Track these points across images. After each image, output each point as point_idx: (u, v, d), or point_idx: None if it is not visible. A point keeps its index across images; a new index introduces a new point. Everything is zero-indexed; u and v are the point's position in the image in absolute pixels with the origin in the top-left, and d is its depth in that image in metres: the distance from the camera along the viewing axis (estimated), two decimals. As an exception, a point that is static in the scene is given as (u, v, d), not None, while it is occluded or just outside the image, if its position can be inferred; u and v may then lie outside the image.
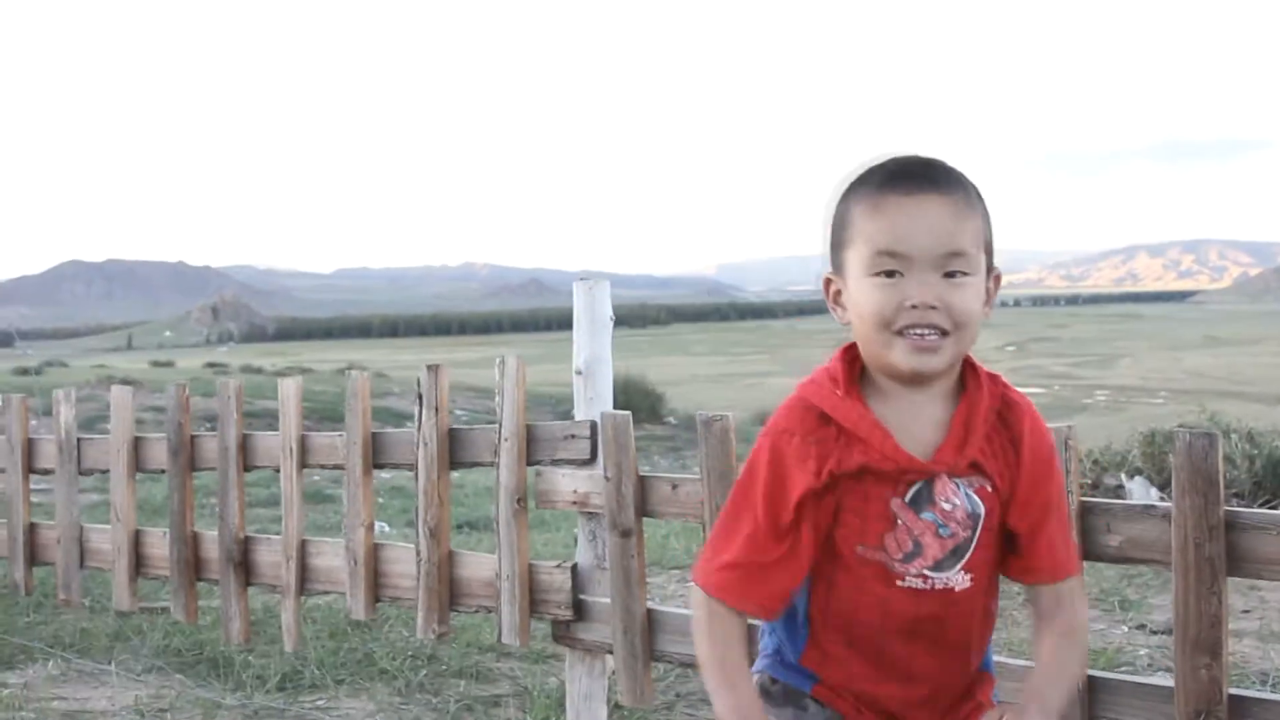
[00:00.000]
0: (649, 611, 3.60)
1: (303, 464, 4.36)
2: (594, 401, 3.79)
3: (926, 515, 1.94)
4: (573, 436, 3.76)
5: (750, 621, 2.03)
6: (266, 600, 5.66)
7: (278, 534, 4.48)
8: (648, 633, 3.58)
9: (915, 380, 1.94)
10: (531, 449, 3.84)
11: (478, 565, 3.96)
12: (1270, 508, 7.29)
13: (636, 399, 33.40)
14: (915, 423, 1.96)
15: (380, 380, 40.67)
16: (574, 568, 3.78)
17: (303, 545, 4.39)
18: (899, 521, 1.94)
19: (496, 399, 3.86)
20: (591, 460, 3.72)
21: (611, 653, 3.67)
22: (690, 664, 3.58)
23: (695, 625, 2.07)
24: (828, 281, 2.01)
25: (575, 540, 4.01)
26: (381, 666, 5.23)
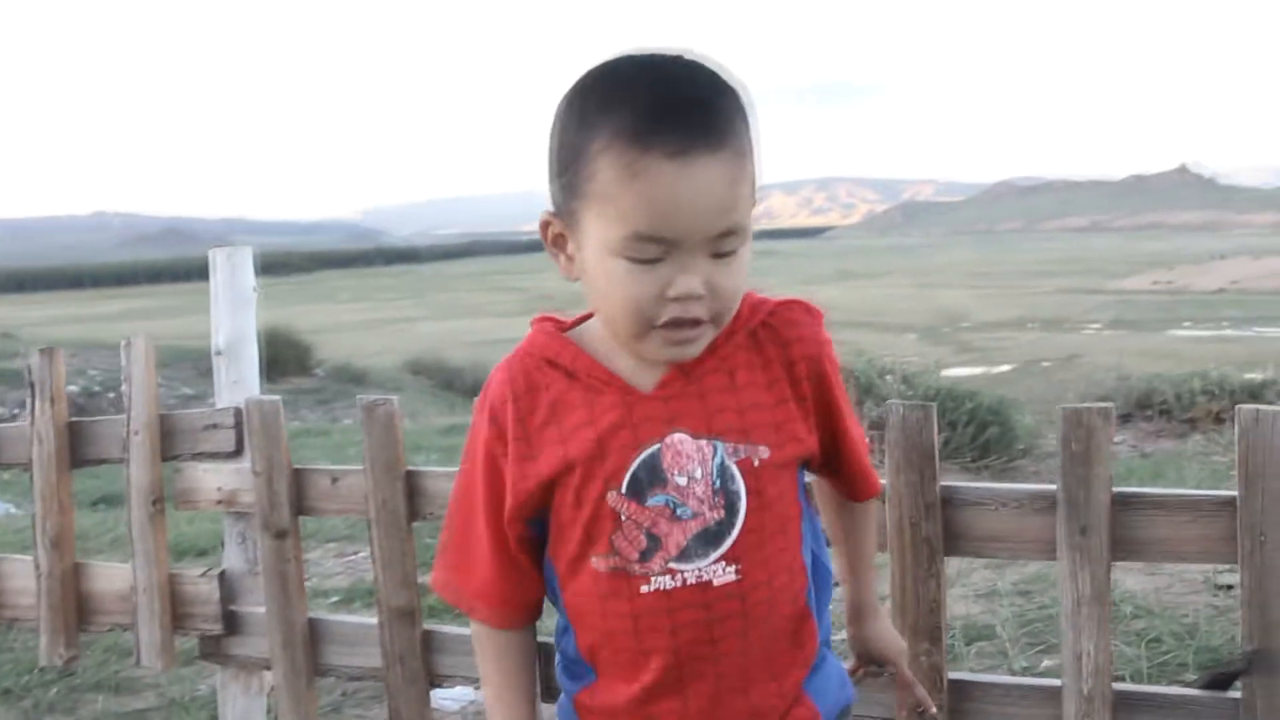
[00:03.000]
0: (311, 621, 3.19)
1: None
2: (238, 385, 3.33)
3: (655, 499, 1.59)
4: (215, 426, 3.30)
5: None
6: None
7: None
8: (310, 645, 3.18)
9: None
10: (167, 442, 3.35)
11: (111, 577, 3.45)
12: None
13: (283, 351, 32.15)
14: (646, 377, 1.62)
15: (7, 341, 37.84)
16: (222, 575, 3.33)
17: (-102, 560, 3.76)
18: (622, 517, 1.60)
19: (124, 387, 3.35)
20: (237, 453, 3.28)
21: (270, 668, 3.25)
22: (359, 677, 3.21)
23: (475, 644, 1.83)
24: (545, 224, 1.60)
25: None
26: (5, 686, 4.65)
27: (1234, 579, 4.99)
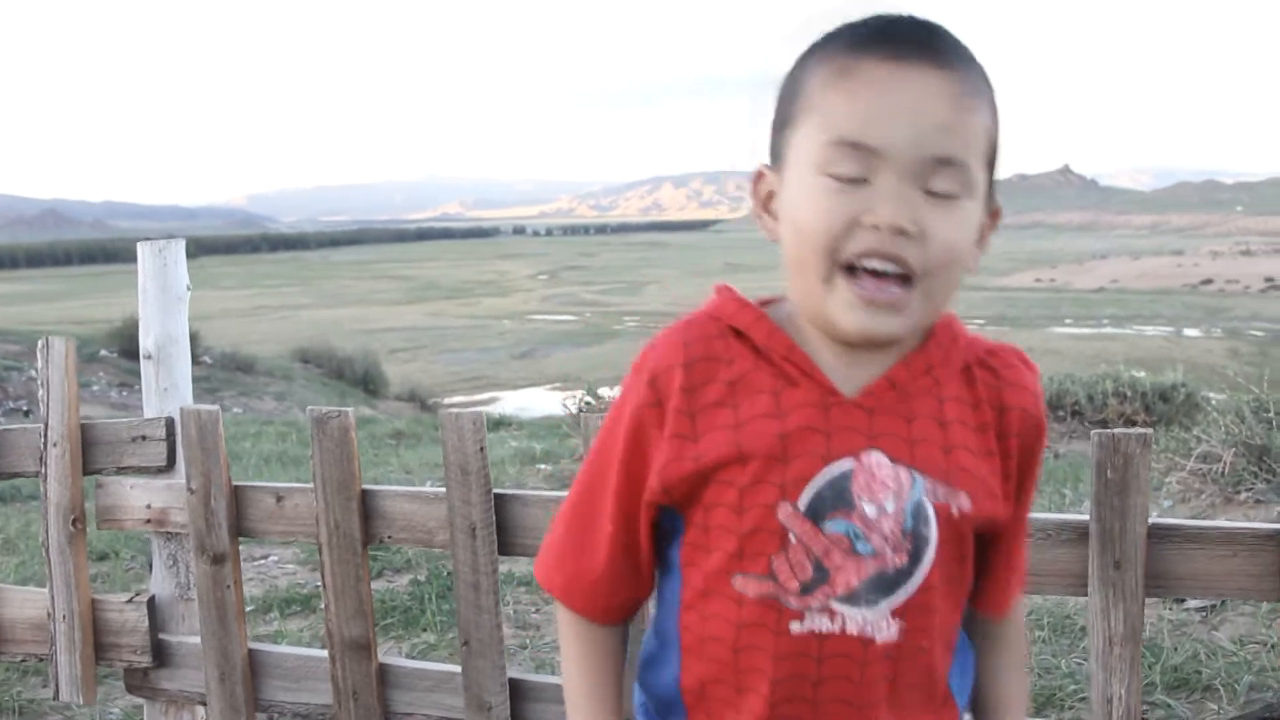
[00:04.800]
0: (251, 652, 2.93)
1: None
2: (169, 393, 3.05)
3: (834, 527, 1.34)
4: (144, 438, 3.01)
5: None
6: None
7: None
8: (250, 678, 2.91)
9: (859, 345, 1.35)
10: (89, 454, 3.05)
11: (24, 603, 3.14)
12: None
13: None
14: (848, 380, 1.37)
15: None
16: (151, 601, 3.05)
17: None
18: (790, 537, 1.34)
19: (40, 392, 3.05)
20: (169, 467, 3.00)
21: (204, 703, 2.98)
22: (305, 714, 2.94)
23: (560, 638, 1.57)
24: (759, 177, 1.40)
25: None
26: (-104, 714, 4.30)
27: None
